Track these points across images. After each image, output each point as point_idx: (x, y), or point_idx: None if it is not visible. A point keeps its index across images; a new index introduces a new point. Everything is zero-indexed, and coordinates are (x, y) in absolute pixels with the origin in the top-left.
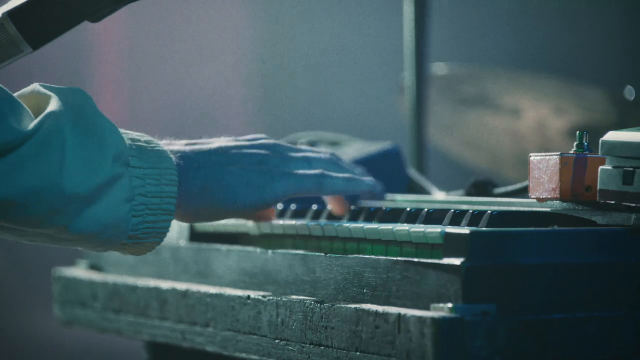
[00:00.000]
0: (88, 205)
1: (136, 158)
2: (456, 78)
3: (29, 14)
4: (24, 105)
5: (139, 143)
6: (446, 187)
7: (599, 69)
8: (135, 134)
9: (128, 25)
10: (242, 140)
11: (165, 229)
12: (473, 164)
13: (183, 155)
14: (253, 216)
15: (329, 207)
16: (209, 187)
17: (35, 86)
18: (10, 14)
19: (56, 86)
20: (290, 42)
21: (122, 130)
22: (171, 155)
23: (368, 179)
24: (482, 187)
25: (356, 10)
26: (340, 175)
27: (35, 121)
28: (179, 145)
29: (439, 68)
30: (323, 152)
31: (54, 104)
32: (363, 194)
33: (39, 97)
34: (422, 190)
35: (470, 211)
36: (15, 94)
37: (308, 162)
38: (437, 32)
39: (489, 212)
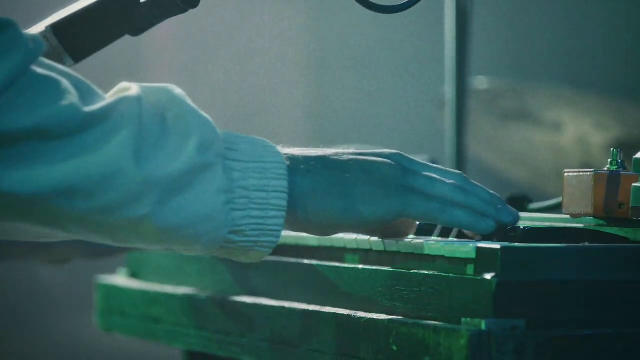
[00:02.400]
0: (172, 194)
1: (235, 152)
2: (497, 92)
3: (71, 28)
4: (102, 92)
5: (243, 139)
6: None
7: None
8: (241, 134)
9: (180, 24)
10: (362, 149)
11: (279, 226)
12: (514, 179)
13: (292, 158)
14: (384, 231)
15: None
16: (318, 191)
17: (121, 84)
18: (54, 27)
19: (144, 84)
20: (331, 54)
21: (233, 132)
22: (280, 152)
23: (490, 219)
24: (518, 202)
25: (398, 22)
26: (464, 207)
27: (105, 103)
28: (290, 149)
29: (480, 82)
30: (452, 172)
31: (132, 91)
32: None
33: (121, 90)
34: None
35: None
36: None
37: (432, 182)
38: (478, 46)
39: (522, 227)
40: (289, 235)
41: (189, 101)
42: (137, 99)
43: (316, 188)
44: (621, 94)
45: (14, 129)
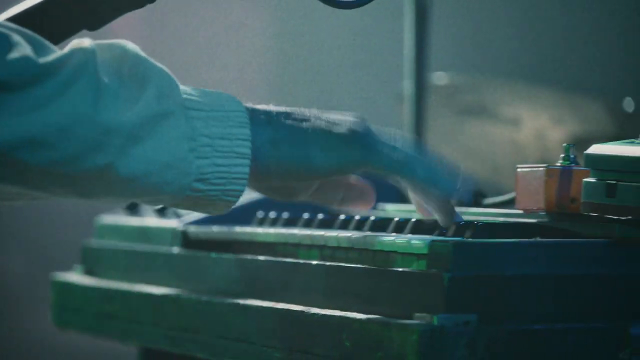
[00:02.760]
0: (135, 142)
1: (196, 101)
2: (456, 88)
3: (27, 23)
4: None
5: (201, 90)
6: None
7: (598, 80)
8: (204, 88)
9: (139, 28)
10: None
11: (244, 174)
12: (473, 174)
13: (253, 109)
14: (337, 195)
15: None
16: (279, 141)
17: (75, 40)
18: (11, 20)
19: (98, 41)
20: (290, 49)
21: (190, 85)
22: (240, 101)
23: (451, 179)
24: (473, 197)
25: (357, 17)
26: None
27: (59, 54)
28: (250, 104)
29: (439, 77)
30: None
31: (86, 43)
32: (443, 195)
33: (74, 46)
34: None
35: (457, 222)
36: None
37: (394, 140)
38: (437, 41)
39: (474, 222)
40: (244, 231)
41: (143, 53)
42: (91, 51)
43: (276, 137)
44: (578, 89)
45: None
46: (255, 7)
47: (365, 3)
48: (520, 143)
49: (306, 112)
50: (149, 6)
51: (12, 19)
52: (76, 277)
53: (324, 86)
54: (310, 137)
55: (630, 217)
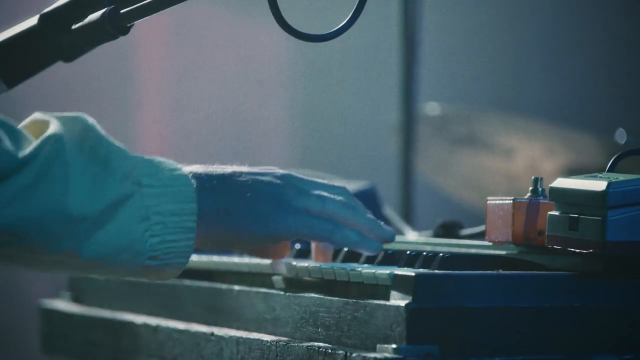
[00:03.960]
0: (98, 228)
1: (149, 177)
2: (447, 118)
3: (3, 55)
4: (26, 132)
5: (153, 163)
6: (433, 226)
7: (591, 112)
8: (149, 157)
9: (170, 48)
10: (255, 169)
11: (189, 247)
12: (465, 204)
13: (196, 176)
14: (264, 251)
15: (314, 257)
16: (222, 211)
17: (35, 115)
18: None
19: (57, 113)
20: (279, 76)
21: (133, 154)
22: (188, 175)
23: (377, 241)
24: (450, 228)
25: (348, 47)
26: (355, 228)
27: (34, 145)
28: (191, 167)
29: (430, 108)
30: (338, 188)
31: (53, 128)
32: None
33: (39, 124)
34: (396, 230)
35: (424, 253)
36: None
37: (322, 201)
38: (427, 72)
39: (440, 254)
40: (220, 261)
41: (102, 130)
42: (59, 136)
43: (219, 209)
44: (571, 121)
45: None
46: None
47: (332, 37)
48: (513, 174)
49: (242, 175)
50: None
51: None
52: (63, 304)
53: (313, 117)
54: (246, 208)
55: (591, 250)
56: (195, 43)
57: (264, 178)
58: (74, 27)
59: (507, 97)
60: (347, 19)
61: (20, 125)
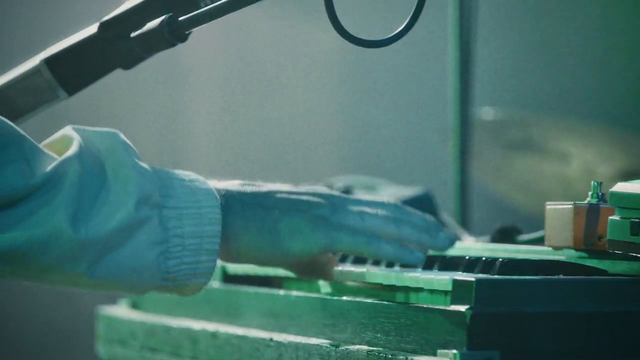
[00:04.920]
0: (108, 251)
1: (172, 198)
2: (502, 123)
3: (64, 62)
4: (47, 151)
5: (181, 182)
6: (489, 230)
7: None
8: (182, 174)
9: (217, 50)
10: (299, 188)
11: (210, 269)
12: (520, 209)
13: (227, 195)
14: (305, 267)
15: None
16: (251, 229)
17: (66, 129)
18: (47, 61)
19: (88, 128)
20: (331, 80)
21: (170, 170)
22: (216, 194)
23: (419, 252)
24: (507, 234)
25: (403, 52)
26: (393, 238)
27: (48, 170)
28: (228, 184)
29: (485, 113)
30: (383, 203)
31: (73, 149)
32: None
33: (65, 141)
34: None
35: (483, 258)
36: (46, 140)
37: (361, 216)
38: (482, 76)
39: (500, 259)
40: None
41: (130, 150)
42: (78, 157)
43: (249, 225)
44: (627, 124)
45: None
46: (324, 35)
47: (390, 43)
48: (569, 178)
49: (277, 193)
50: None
51: (50, 58)
52: (121, 310)
53: (367, 122)
54: (279, 225)
55: None
56: (243, 45)
57: (302, 197)
58: (132, 34)
59: (563, 101)
60: (404, 24)
61: (49, 140)
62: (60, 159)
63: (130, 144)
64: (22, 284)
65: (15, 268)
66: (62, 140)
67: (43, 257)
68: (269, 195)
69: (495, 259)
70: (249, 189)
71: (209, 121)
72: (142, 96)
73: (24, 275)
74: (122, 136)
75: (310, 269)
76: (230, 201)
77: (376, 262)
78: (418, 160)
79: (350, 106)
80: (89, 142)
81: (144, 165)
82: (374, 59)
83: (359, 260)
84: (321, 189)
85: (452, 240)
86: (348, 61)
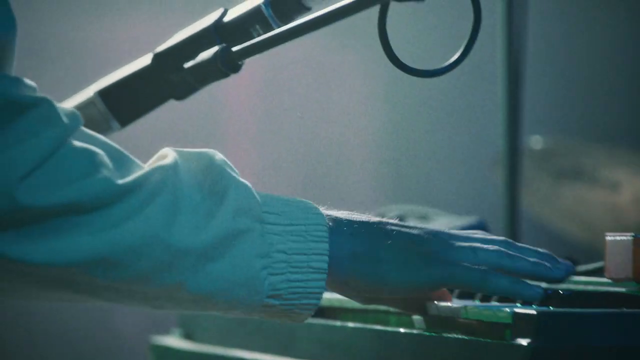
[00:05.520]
0: (207, 261)
1: (275, 215)
2: (552, 151)
3: (118, 93)
4: (138, 161)
5: (285, 201)
6: None
7: None
8: (284, 196)
9: (261, 84)
10: (405, 222)
11: (319, 289)
12: (570, 239)
13: (336, 220)
14: (404, 300)
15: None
16: (359, 255)
17: (162, 150)
18: (101, 92)
19: (185, 149)
20: (375, 106)
21: (261, 193)
22: (323, 214)
23: (537, 286)
24: None
25: (452, 81)
26: (508, 273)
27: (140, 174)
28: (335, 212)
29: (534, 141)
30: (496, 239)
31: (169, 160)
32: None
33: (161, 159)
34: None
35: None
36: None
37: (474, 252)
38: (532, 104)
39: (559, 291)
40: (333, 297)
41: (228, 167)
42: (173, 167)
43: (357, 251)
44: None
45: (49, 205)
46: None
47: (445, 72)
48: (619, 207)
49: (388, 225)
50: None
51: (104, 90)
52: (174, 341)
53: (414, 151)
54: (390, 255)
55: None
56: (282, 68)
57: (412, 230)
58: (186, 65)
59: (612, 129)
60: (458, 54)
61: (149, 162)
62: (153, 166)
63: (228, 161)
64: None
65: (108, 277)
66: (158, 157)
67: (138, 265)
68: (379, 225)
69: (554, 291)
70: (357, 217)
71: (246, 148)
72: (179, 120)
73: (116, 287)
74: (220, 154)
75: (416, 304)
76: (338, 224)
77: (485, 298)
78: (468, 189)
79: (400, 134)
80: (186, 158)
81: (244, 180)
82: (423, 87)
83: None
84: (430, 226)
85: (571, 270)
86: (396, 88)
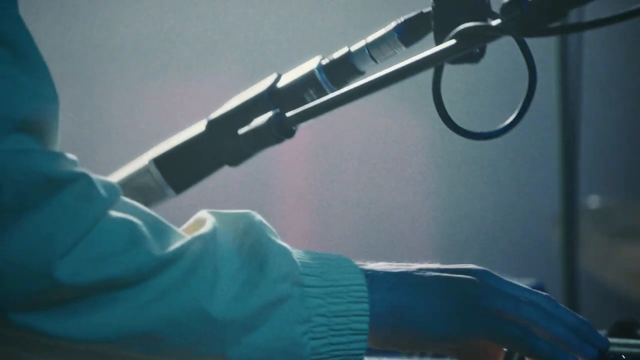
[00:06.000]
0: (249, 331)
1: (315, 277)
2: (610, 210)
3: (172, 161)
4: (179, 230)
5: (323, 261)
6: (600, 321)
7: None
8: (323, 253)
9: (312, 137)
10: (449, 266)
11: (361, 350)
12: (630, 300)
13: (373, 274)
14: (452, 351)
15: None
16: (397, 310)
17: (200, 213)
18: (156, 160)
19: (223, 211)
20: (430, 166)
21: (310, 250)
22: (361, 272)
23: (573, 358)
24: (626, 328)
25: (507, 140)
26: (544, 334)
27: (178, 245)
28: (373, 265)
29: (592, 201)
30: (539, 294)
31: (206, 227)
32: None
33: (198, 224)
34: None
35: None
36: (182, 226)
37: (517, 305)
38: (588, 164)
39: (622, 356)
40: None
41: (267, 229)
42: (212, 234)
43: (396, 305)
44: None
45: (89, 282)
46: (420, 122)
47: (500, 135)
48: None
49: (427, 272)
50: None
51: (159, 158)
52: None
53: (470, 211)
54: (428, 306)
55: None
56: (337, 130)
57: (453, 275)
58: (240, 131)
59: None
60: (513, 116)
61: (184, 226)
62: (193, 235)
63: (266, 223)
64: None
65: (147, 351)
66: (196, 223)
67: (178, 338)
68: (418, 274)
69: (616, 356)
70: (395, 268)
71: (299, 209)
72: (231, 180)
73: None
74: (258, 216)
75: (468, 355)
76: (376, 280)
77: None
78: (524, 250)
79: (456, 194)
80: (224, 222)
81: (282, 243)
82: (479, 146)
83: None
84: (472, 266)
85: (605, 345)
86: (451, 147)
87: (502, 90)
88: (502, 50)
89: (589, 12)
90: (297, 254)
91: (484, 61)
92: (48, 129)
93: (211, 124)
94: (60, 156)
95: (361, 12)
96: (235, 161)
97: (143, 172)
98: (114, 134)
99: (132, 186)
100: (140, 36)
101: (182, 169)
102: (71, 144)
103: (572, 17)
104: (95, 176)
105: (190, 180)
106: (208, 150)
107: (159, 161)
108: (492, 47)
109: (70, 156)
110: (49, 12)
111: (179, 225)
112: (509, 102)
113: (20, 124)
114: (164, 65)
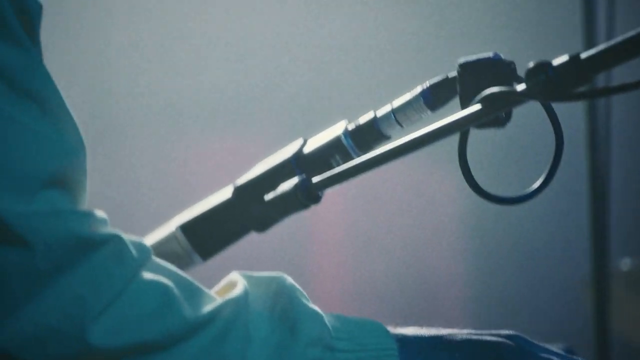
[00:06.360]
0: None
1: (346, 342)
2: None
3: (199, 228)
4: (211, 293)
5: (354, 325)
6: None
7: None
8: (354, 317)
9: (346, 207)
10: (481, 331)
11: None
12: None
13: (404, 338)
14: None
15: None
16: None
17: (231, 275)
18: (183, 227)
19: (254, 273)
20: (457, 228)
21: (341, 314)
22: (392, 337)
23: None
24: None
25: (535, 203)
26: None
27: (210, 308)
28: (403, 329)
29: (624, 264)
30: (574, 358)
31: (238, 290)
32: None
33: (230, 286)
34: None
35: None
36: (214, 288)
37: None
38: (619, 226)
39: None
40: None
41: (298, 292)
42: (244, 297)
43: None
44: None
45: (120, 345)
46: (444, 172)
47: (527, 200)
48: None
49: (458, 336)
50: None
51: (186, 225)
52: None
53: (496, 275)
54: None
55: None
56: (368, 192)
57: (483, 338)
58: (266, 197)
59: None
60: (542, 179)
61: (215, 288)
62: (224, 298)
63: (298, 286)
64: None
65: None
66: (227, 285)
67: None
68: (449, 337)
69: None
70: (426, 332)
71: (330, 268)
72: (271, 241)
73: None
74: (290, 279)
75: None
76: (406, 344)
77: None
78: (555, 314)
79: (486, 257)
80: (255, 285)
81: (314, 307)
82: (506, 209)
83: None
84: (505, 331)
85: None
86: (472, 208)
87: (531, 152)
88: (531, 110)
89: (617, 74)
90: (328, 317)
91: (511, 123)
92: (77, 179)
93: (238, 191)
94: (90, 215)
95: (388, 71)
96: (262, 227)
97: (170, 238)
98: (141, 192)
99: (160, 252)
100: (172, 92)
101: (209, 235)
102: (99, 200)
103: (600, 79)
104: (126, 236)
105: (217, 247)
106: (235, 216)
107: (185, 228)
108: (520, 109)
109: (100, 214)
110: (80, 67)
111: (210, 286)
112: (539, 162)
113: (49, 180)
114: (192, 122)
